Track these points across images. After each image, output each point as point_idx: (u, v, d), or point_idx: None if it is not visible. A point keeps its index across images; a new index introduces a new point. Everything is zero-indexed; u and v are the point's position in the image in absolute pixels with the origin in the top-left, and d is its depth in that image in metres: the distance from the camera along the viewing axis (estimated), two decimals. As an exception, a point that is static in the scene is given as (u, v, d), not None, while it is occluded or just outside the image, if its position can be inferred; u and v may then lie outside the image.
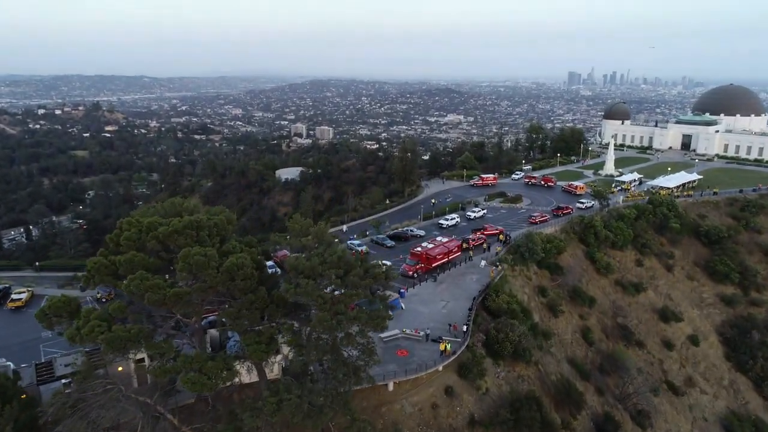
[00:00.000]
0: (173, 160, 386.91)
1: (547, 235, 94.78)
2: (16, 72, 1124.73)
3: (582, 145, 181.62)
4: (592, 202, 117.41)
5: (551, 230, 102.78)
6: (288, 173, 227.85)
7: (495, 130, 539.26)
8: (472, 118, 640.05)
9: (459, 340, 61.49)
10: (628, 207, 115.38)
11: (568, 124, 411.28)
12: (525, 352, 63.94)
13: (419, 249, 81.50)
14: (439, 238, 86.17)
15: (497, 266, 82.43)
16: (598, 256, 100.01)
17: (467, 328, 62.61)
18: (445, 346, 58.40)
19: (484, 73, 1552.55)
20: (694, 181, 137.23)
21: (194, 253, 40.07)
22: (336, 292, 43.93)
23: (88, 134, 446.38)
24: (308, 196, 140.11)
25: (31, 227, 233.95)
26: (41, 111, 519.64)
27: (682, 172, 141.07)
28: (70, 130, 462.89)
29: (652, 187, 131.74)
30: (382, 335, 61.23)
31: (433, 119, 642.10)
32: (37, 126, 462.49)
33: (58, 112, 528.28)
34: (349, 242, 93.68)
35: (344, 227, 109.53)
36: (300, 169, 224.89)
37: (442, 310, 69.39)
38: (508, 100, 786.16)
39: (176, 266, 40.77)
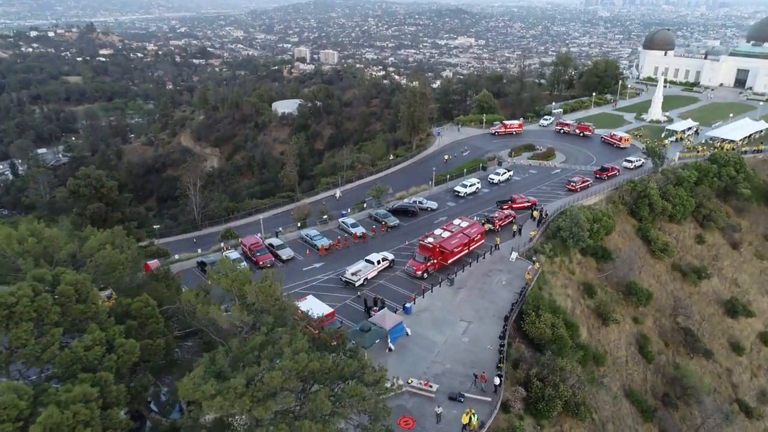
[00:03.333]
0: (170, 87, 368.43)
1: (594, 212, 74.33)
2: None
3: (619, 81, 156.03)
4: (642, 161, 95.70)
5: (594, 200, 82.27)
6: (285, 106, 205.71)
7: (507, 55, 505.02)
8: (483, 41, 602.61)
9: (488, 399, 43.00)
10: (685, 167, 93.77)
11: (593, 53, 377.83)
12: (579, 407, 45.68)
13: (431, 240, 61.55)
14: (456, 222, 65.95)
15: (533, 262, 62.79)
16: (654, 234, 79.98)
17: (500, 381, 43.94)
18: (470, 418, 39.98)
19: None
20: (761, 130, 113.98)
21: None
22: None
23: (81, 58, 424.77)
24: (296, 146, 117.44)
25: (16, 162, 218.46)
26: (34, 33, 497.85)
27: (746, 119, 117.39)
28: (63, 54, 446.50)
29: (711, 139, 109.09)
30: (379, 390, 42.85)
31: (442, 42, 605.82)
32: (29, 49, 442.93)
33: (51, 34, 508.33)
34: (341, 220, 73.84)
35: (338, 192, 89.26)
36: (298, 101, 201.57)
37: (463, 339, 50.55)
38: (521, 22, 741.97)
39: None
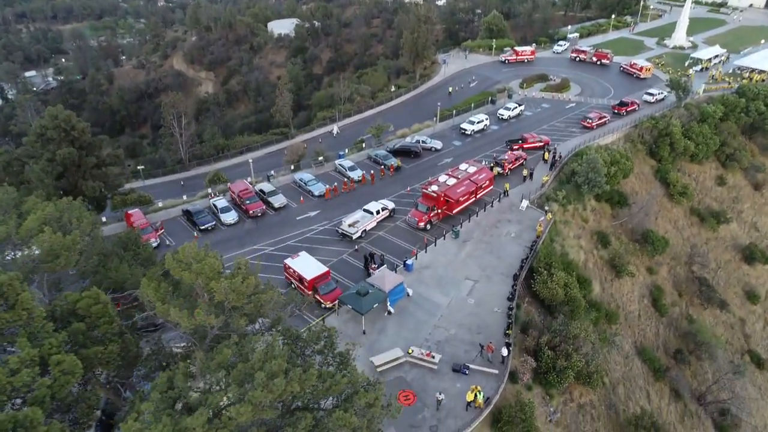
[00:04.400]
0: (162, 4, 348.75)
1: (611, 153, 68.62)
2: None
3: (640, 1, 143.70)
4: (664, 94, 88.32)
5: (611, 138, 76.22)
6: (282, 27, 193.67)
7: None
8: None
9: (495, 371, 39.76)
10: (711, 101, 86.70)
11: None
12: (592, 375, 42.61)
13: (435, 188, 56.43)
14: (463, 167, 60.49)
15: (545, 212, 58.07)
16: (673, 177, 74.66)
17: (508, 352, 40.51)
18: (475, 394, 36.85)
19: None
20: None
21: None
22: None
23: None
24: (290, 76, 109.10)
25: (4, 86, 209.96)
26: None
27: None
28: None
29: (739, 68, 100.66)
30: (376, 362, 39.69)
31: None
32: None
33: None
34: (338, 162, 68.41)
35: (335, 128, 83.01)
36: (295, 21, 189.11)
37: (469, 300, 46.78)
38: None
39: None
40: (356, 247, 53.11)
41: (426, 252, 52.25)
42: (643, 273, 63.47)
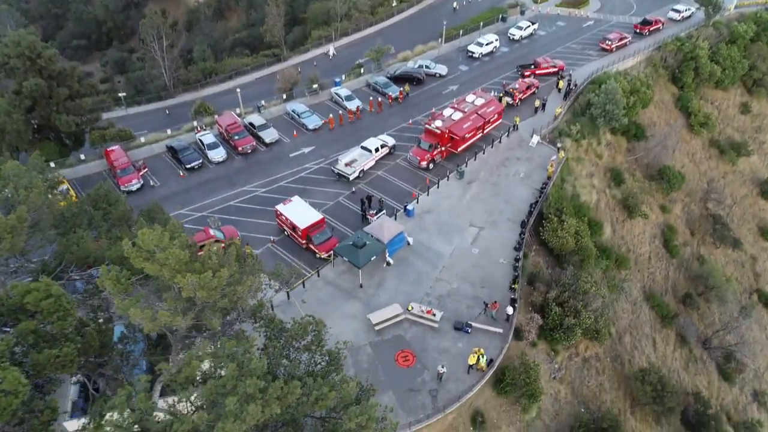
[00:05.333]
0: None
1: (631, 80, 63.11)
2: None
3: None
4: (692, 10, 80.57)
5: (632, 63, 70.20)
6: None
7: None
8: None
9: (499, 330, 37.68)
10: (742, 18, 79.31)
11: None
12: (600, 331, 40.66)
13: (439, 123, 51.81)
14: (470, 99, 55.40)
15: (557, 149, 53.91)
16: (695, 105, 69.49)
17: (513, 310, 38.22)
18: (478, 357, 34.95)
19: None
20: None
21: None
22: None
23: None
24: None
25: None
26: None
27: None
28: None
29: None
30: (374, 319, 37.56)
31: None
32: None
33: None
34: (334, 90, 63.09)
35: (331, 49, 76.44)
36: None
37: (473, 250, 43.95)
38: None
39: None
40: (353, 189, 49.58)
41: (428, 195, 48.81)
42: (656, 212, 60.30)
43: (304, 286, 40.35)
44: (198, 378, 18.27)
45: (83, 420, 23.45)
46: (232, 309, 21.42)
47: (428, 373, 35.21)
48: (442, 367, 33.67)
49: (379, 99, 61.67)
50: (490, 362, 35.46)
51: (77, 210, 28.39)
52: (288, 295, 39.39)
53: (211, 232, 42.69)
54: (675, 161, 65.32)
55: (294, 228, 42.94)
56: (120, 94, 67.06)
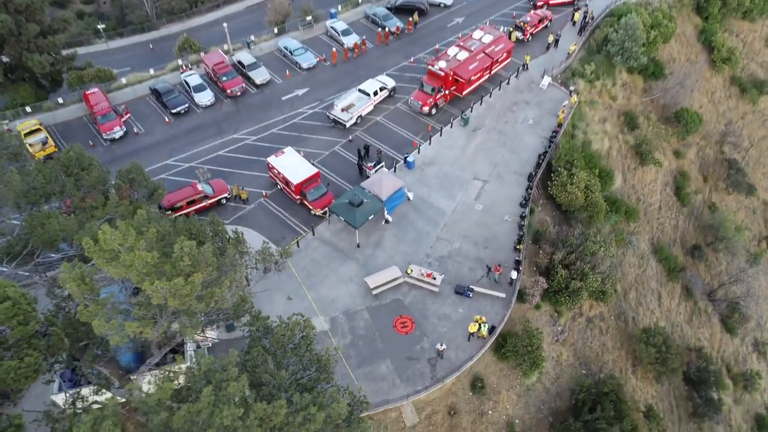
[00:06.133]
0: None
1: (653, 13, 57.93)
2: None
3: None
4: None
5: (653, -9, 64.21)
6: None
7: None
8: None
9: (502, 294, 36.14)
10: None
11: None
12: (607, 292, 39.19)
13: (442, 64, 47.71)
14: (477, 36, 50.79)
15: (570, 92, 50.17)
16: (719, 39, 64.40)
17: (517, 275, 36.47)
18: (479, 325, 33.64)
19: None
20: None
21: None
22: None
23: None
24: None
25: None
26: None
27: None
28: None
29: None
30: (371, 283, 35.96)
31: None
32: None
33: None
34: (329, 23, 58.11)
35: (327, -26, 69.86)
36: None
37: (477, 206, 41.63)
38: None
39: None
40: (350, 137, 46.50)
41: (430, 144, 45.81)
42: (670, 157, 57.30)
43: (298, 246, 38.49)
44: (168, 402, 16.63)
45: (71, 392, 22.46)
46: (211, 312, 19.55)
47: (427, 341, 34.06)
48: (441, 345, 32.39)
49: (387, 29, 56.81)
50: (491, 330, 34.19)
51: (47, 177, 25.83)
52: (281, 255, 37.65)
53: (199, 186, 40.31)
54: (693, 102, 61.41)
55: (287, 183, 40.43)
56: (99, 26, 62.01)
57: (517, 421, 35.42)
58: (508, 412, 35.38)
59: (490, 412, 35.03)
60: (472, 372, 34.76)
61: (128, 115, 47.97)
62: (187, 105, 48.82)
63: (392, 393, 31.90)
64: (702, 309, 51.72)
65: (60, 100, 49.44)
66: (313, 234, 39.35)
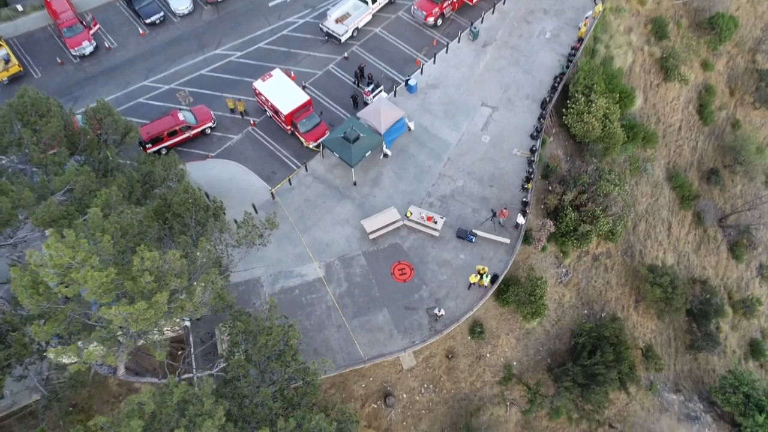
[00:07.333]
0: None
1: None
2: None
3: None
4: None
5: None
6: None
7: None
8: None
9: (506, 240, 34.11)
10: None
11: None
12: (617, 232, 37.12)
13: (451, -34, 41.54)
14: (492, -72, 43.82)
15: (594, 1, 44.32)
16: (769, -74, 56.14)
17: (525, 217, 34.14)
18: (481, 276, 32.06)
19: None
20: None
21: None
22: None
23: None
24: None
25: None
26: None
27: None
28: None
29: None
30: (368, 227, 33.89)
31: None
32: None
33: None
34: None
35: None
36: None
37: (483, 137, 38.24)
38: None
39: None
40: (346, 53, 41.77)
41: (434, 62, 41.23)
42: (697, 70, 52.31)
43: (290, 183, 35.90)
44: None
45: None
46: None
47: (426, 289, 32.72)
48: (440, 310, 30.87)
49: None
50: (494, 279, 32.70)
51: (0, 127, 22.67)
52: (273, 195, 35.28)
53: (180, 116, 36.75)
54: (729, 3, 54.97)
55: (276, 112, 36.80)
56: None
57: (514, 363, 35.23)
58: (506, 355, 35.08)
59: (488, 355, 34.70)
60: (471, 317, 33.86)
61: (97, 26, 42.78)
62: (162, 14, 43.39)
63: (389, 345, 31.17)
64: (711, 236, 50.06)
65: (19, 7, 43.88)
66: (306, 170, 36.55)
